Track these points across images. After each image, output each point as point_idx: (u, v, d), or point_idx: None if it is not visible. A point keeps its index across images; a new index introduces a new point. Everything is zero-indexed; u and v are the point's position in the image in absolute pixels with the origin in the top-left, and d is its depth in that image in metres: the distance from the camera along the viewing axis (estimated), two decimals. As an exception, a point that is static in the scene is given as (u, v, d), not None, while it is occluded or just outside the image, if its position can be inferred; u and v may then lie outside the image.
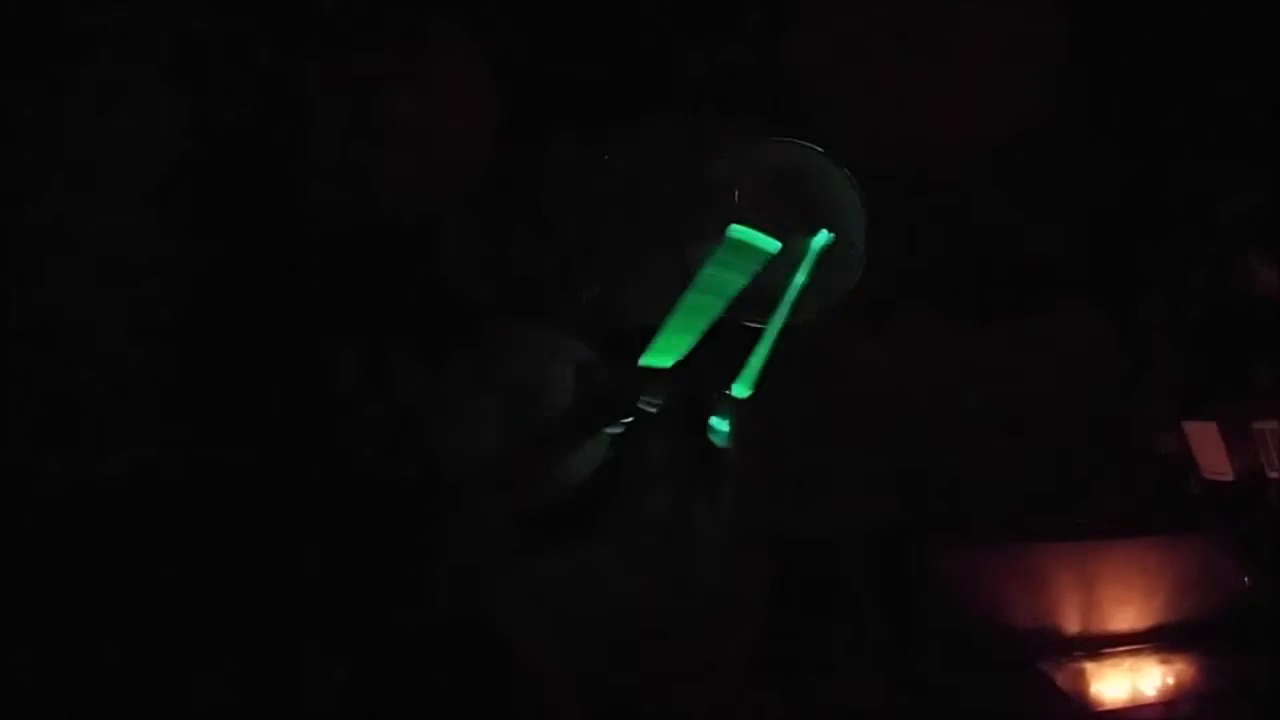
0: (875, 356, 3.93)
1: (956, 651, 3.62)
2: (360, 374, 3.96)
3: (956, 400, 3.92)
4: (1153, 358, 4.06)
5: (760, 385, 3.50)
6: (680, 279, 3.94)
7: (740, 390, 3.50)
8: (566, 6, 3.99)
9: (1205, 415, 3.88)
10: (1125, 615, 3.80)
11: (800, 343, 3.95)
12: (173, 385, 3.72)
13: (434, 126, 3.85)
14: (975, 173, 3.93)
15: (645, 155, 3.98)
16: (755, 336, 3.54)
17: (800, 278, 3.52)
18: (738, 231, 3.51)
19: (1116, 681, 3.65)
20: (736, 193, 3.90)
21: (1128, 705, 3.61)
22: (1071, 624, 3.78)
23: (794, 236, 3.57)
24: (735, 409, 3.51)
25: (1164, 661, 3.71)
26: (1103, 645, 3.76)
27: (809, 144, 3.69)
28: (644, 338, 3.88)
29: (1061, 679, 3.65)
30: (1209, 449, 3.86)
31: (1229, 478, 3.82)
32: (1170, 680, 3.65)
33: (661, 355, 3.48)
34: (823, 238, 3.55)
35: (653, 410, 3.55)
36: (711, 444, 3.58)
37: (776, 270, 3.57)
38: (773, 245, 3.51)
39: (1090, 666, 3.69)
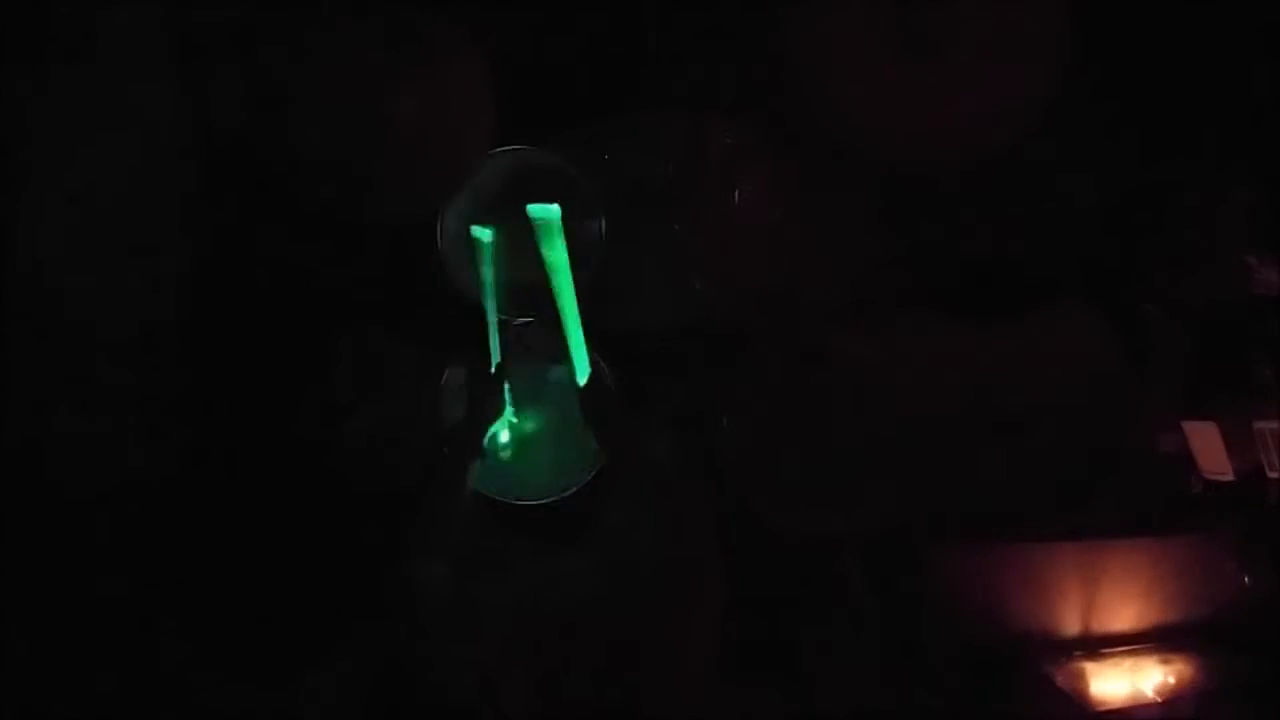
0: (874, 356, 3.93)
1: (956, 651, 3.61)
2: (360, 374, 3.96)
3: (955, 400, 3.92)
4: (1153, 358, 4.05)
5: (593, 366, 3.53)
6: (677, 282, 3.96)
7: (581, 377, 3.53)
8: (566, 6, 4.00)
9: (1205, 415, 3.87)
10: (1125, 615, 3.80)
11: (800, 343, 3.97)
12: (172, 385, 3.72)
13: (434, 126, 3.85)
14: (974, 172, 3.93)
15: (644, 155, 3.99)
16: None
17: (557, 253, 3.49)
18: (477, 231, 3.61)
19: (1116, 681, 3.65)
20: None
21: (1128, 705, 3.61)
22: (1071, 624, 3.78)
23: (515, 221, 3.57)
24: (590, 396, 3.52)
25: (1164, 661, 3.71)
26: (1103, 645, 3.76)
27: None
28: (636, 341, 3.90)
29: (1061, 679, 3.65)
30: (1209, 449, 3.85)
31: (1229, 478, 3.81)
32: (1170, 680, 3.65)
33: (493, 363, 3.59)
34: (545, 210, 3.50)
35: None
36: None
37: (519, 258, 3.61)
38: (485, 233, 3.59)
39: (1090, 666, 3.69)
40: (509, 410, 3.66)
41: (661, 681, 3.33)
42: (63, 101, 3.56)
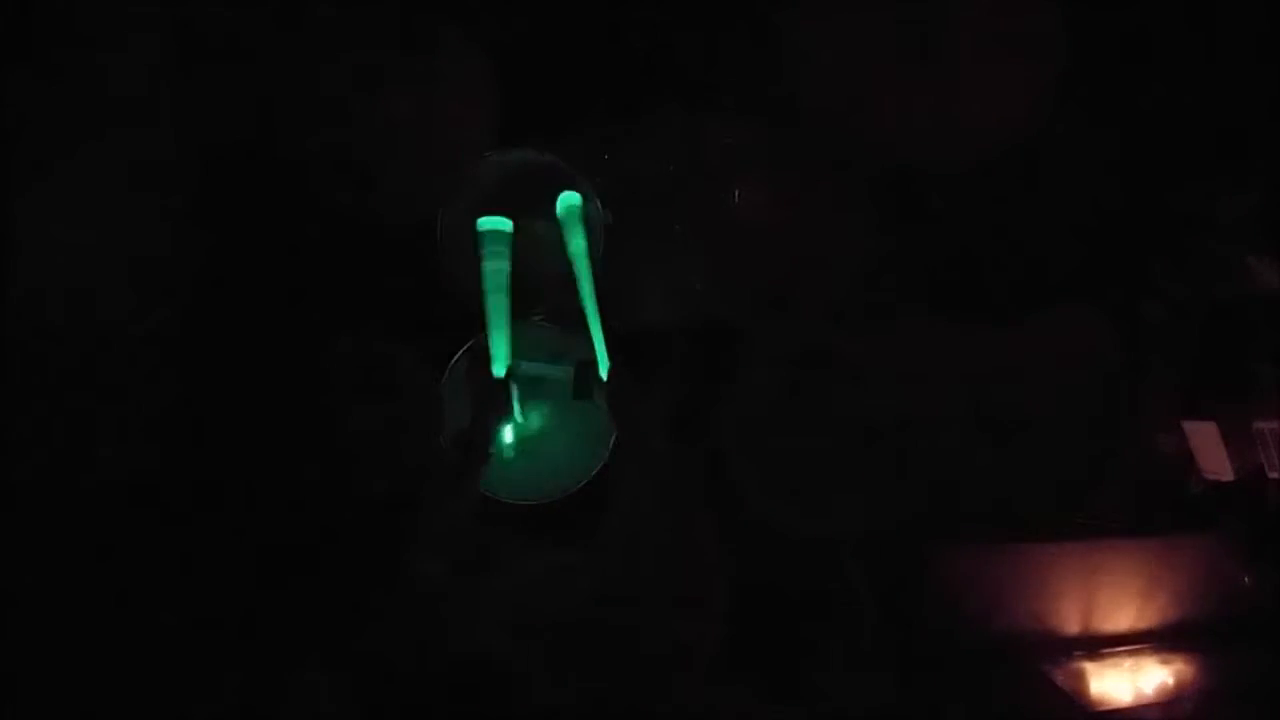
0: (874, 356, 3.94)
1: (956, 652, 3.61)
2: (359, 374, 3.96)
3: (956, 400, 3.92)
4: (1153, 358, 4.06)
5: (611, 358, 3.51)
6: (677, 282, 3.96)
7: (603, 368, 3.50)
8: (567, 6, 4.00)
9: (1205, 415, 3.88)
10: (1125, 615, 3.80)
11: (800, 344, 3.97)
12: (171, 385, 3.72)
13: (434, 126, 3.86)
14: (975, 173, 3.93)
15: (645, 155, 3.99)
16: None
17: (580, 241, 3.50)
18: (482, 223, 3.52)
19: (1116, 681, 3.65)
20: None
21: (1128, 705, 3.61)
22: (1071, 624, 3.78)
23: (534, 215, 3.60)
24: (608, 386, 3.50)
25: (1164, 661, 3.71)
26: (1103, 645, 3.76)
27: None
28: (642, 339, 3.90)
29: (1061, 679, 3.65)
30: (1209, 449, 3.86)
31: (1229, 478, 3.81)
32: (1170, 680, 3.65)
33: (498, 364, 3.51)
34: (572, 197, 3.53)
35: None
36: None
37: (543, 249, 3.62)
38: (506, 224, 3.51)
39: (1090, 666, 3.69)
40: (516, 411, 3.65)
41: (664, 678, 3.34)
42: (63, 102, 3.56)
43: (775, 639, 3.63)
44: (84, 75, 3.59)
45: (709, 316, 4.00)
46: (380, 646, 3.48)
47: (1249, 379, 3.86)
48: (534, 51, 3.97)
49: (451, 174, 3.89)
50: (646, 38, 4.00)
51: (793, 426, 3.88)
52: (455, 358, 3.84)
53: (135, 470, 3.58)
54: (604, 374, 3.50)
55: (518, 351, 3.69)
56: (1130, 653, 3.76)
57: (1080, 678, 3.68)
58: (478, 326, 3.70)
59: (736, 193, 3.98)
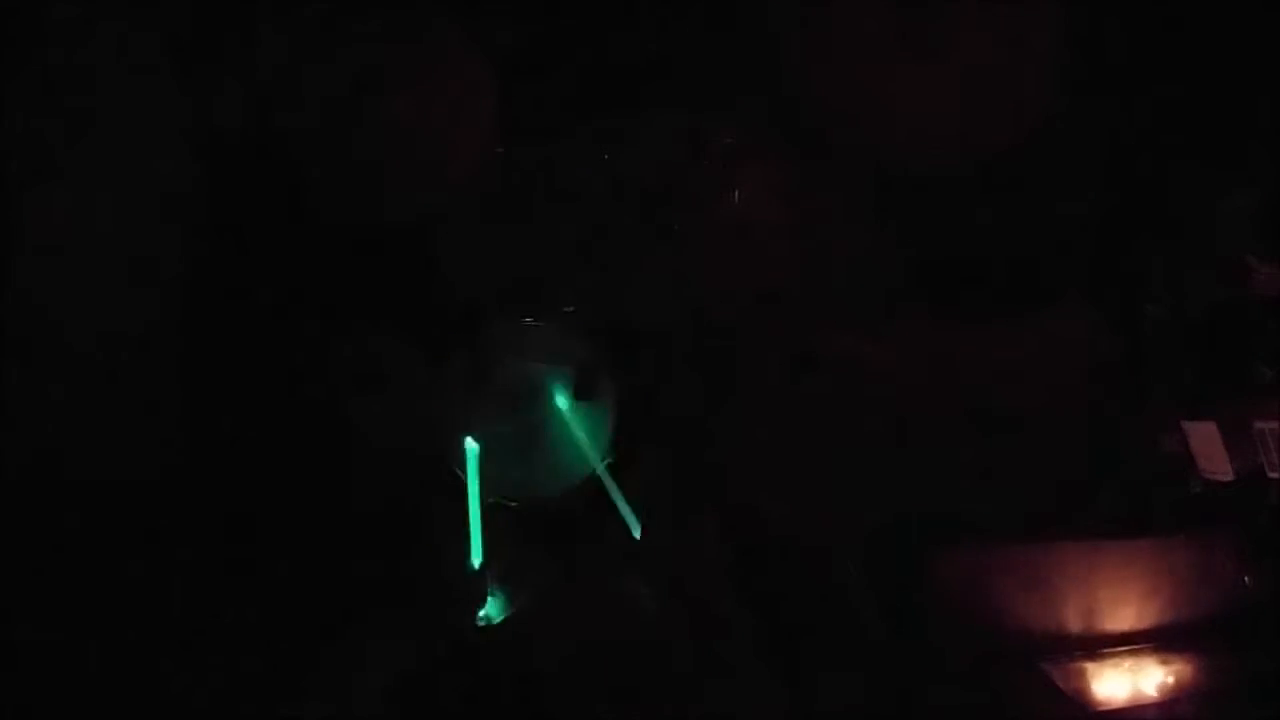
0: (875, 357, 3.94)
1: (956, 652, 3.61)
2: (360, 374, 3.96)
3: (957, 400, 3.92)
4: (1153, 358, 4.06)
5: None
6: (677, 282, 3.96)
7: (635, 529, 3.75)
8: (566, 7, 4.00)
9: (1205, 415, 3.87)
10: (1125, 615, 3.79)
11: (800, 343, 3.97)
12: (171, 385, 3.73)
13: (434, 126, 3.86)
14: (976, 173, 3.93)
15: (644, 155, 3.99)
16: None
17: (580, 433, 3.80)
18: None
19: (1116, 681, 3.65)
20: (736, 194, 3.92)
21: (1128, 705, 3.61)
22: (1071, 624, 3.78)
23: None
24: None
25: (1164, 661, 3.70)
26: (1103, 645, 3.75)
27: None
28: (640, 340, 3.91)
29: (1061, 679, 3.65)
30: (1209, 449, 3.85)
31: (1229, 478, 3.81)
32: (1170, 680, 3.65)
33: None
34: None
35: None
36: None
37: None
38: (473, 448, 3.79)
39: (1090, 666, 3.69)
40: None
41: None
42: (63, 103, 3.56)
43: (775, 639, 3.64)
44: (84, 75, 3.59)
45: (709, 317, 4.00)
46: (381, 644, 3.49)
47: (1249, 379, 3.85)
48: (534, 51, 3.97)
49: (451, 174, 3.90)
50: (647, 38, 4.00)
51: (792, 426, 3.88)
52: (454, 358, 3.85)
53: (135, 470, 3.58)
54: (636, 534, 3.71)
55: (519, 354, 3.74)
56: (1130, 653, 3.76)
57: (1080, 678, 3.68)
58: (477, 327, 3.75)
59: (736, 193, 3.99)
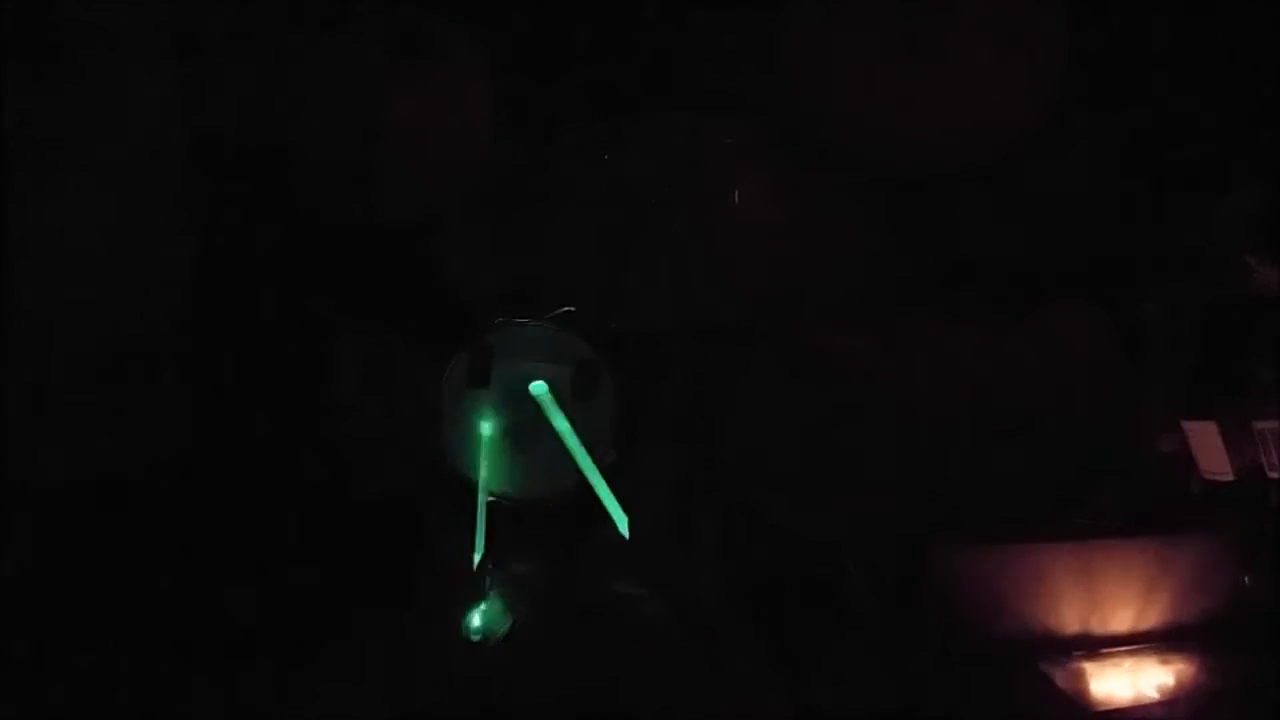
0: (875, 357, 3.94)
1: (956, 651, 3.61)
2: (360, 374, 3.96)
3: (956, 400, 3.92)
4: (1153, 358, 4.06)
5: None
6: (678, 281, 3.96)
7: (623, 527, 3.71)
8: (567, 7, 4.00)
9: (1205, 415, 3.87)
10: (1125, 615, 3.79)
11: (800, 343, 3.97)
12: (171, 384, 3.73)
13: (434, 127, 3.86)
14: (975, 173, 3.94)
15: (645, 155, 3.99)
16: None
17: (561, 422, 3.72)
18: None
19: (1116, 681, 3.65)
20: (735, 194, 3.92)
21: (1128, 705, 3.61)
22: (1071, 624, 3.77)
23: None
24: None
25: (1164, 661, 3.70)
26: (1103, 645, 3.75)
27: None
28: (640, 340, 3.91)
29: (1061, 679, 3.65)
30: (1209, 449, 3.85)
31: (1229, 478, 3.81)
32: (1170, 680, 3.65)
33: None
34: (539, 386, 3.73)
35: None
36: None
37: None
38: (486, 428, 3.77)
39: (1090, 666, 3.69)
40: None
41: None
42: (64, 104, 3.56)
43: (775, 638, 3.64)
44: (84, 75, 3.59)
45: (709, 317, 4.00)
46: (382, 642, 3.49)
47: (1249, 379, 3.85)
48: (534, 51, 3.98)
49: (452, 174, 3.91)
50: (647, 38, 4.00)
51: (793, 427, 3.88)
52: (454, 358, 3.85)
53: (134, 470, 3.58)
54: (624, 531, 3.68)
55: (520, 353, 3.74)
56: (1130, 653, 3.75)
57: (1080, 678, 3.67)
58: (477, 327, 3.75)
59: (736, 193, 3.99)
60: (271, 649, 3.43)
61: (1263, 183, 3.88)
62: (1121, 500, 3.95)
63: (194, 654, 3.36)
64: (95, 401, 3.56)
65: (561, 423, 3.69)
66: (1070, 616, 3.81)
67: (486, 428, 3.75)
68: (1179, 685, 3.68)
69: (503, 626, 3.53)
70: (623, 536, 3.73)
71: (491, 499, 3.72)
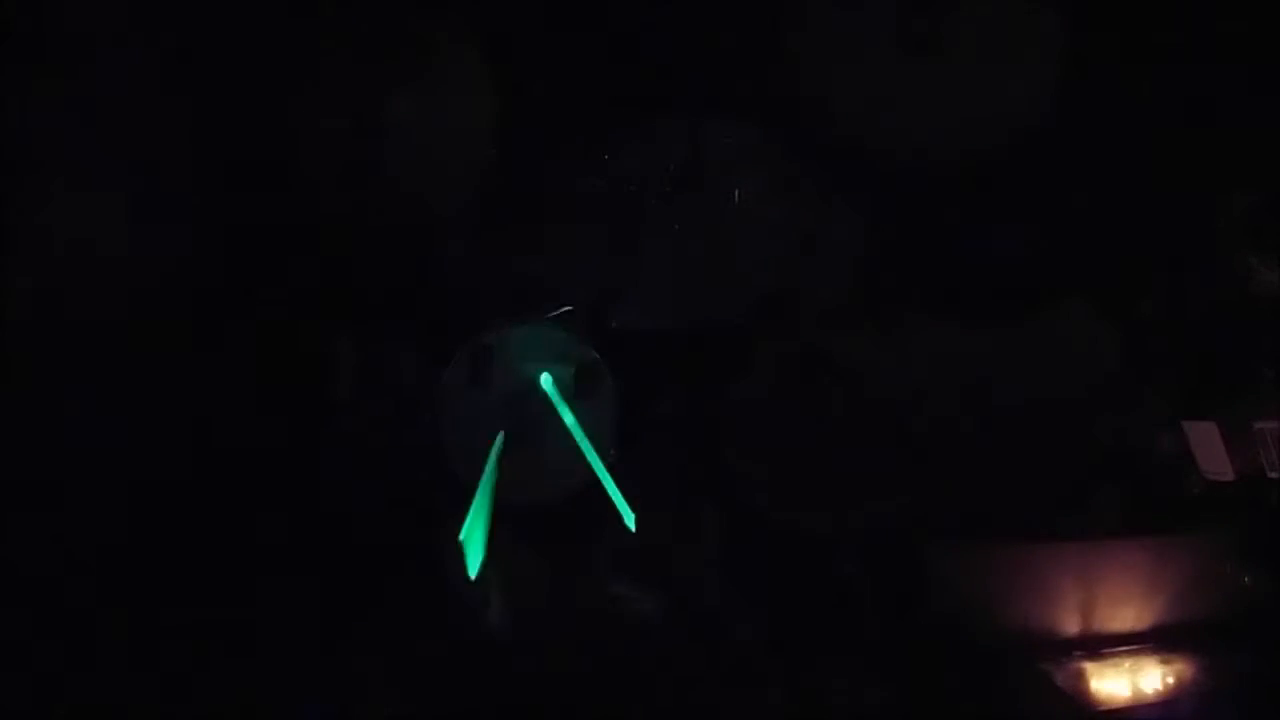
0: (876, 358, 3.94)
1: (957, 651, 3.62)
2: (360, 373, 3.96)
3: (957, 400, 3.92)
4: (1153, 358, 4.06)
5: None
6: (677, 282, 3.97)
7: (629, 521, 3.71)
8: (567, 8, 4.00)
9: (1205, 415, 3.88)
10: (1125, 615, 3.80)
11: (801, 344, 3.97)
12: (171, 384, 3.73)
13: (435, 128, 3.86)
14: (976, 174, 3.93)
15: (645, 156, 3.99)
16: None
17: (567, 415, 3.77)
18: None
19: (1116, 681, 3.66)
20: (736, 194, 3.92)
21: (1128, 705, 3.61)
22: (1071, 624, 3.78)
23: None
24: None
25: (1164, 661, 3.71)
26: (1103, 645, 3.76)
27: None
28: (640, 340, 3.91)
29: (1061, 679, 3.65)
30: (1209, 449, 3.85)
31: (1229, 478, 3.81)
32: (1170, 680, 3.65)
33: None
34: (546, 380, 3.79)
35: None
36: None
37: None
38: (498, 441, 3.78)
39: (1090, 666, 3.69)
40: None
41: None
42: (65, 104, 3.57)
43: (775, 638, 3.64)
44: (84, 75, 3.59)
45: (709, 317, 4.00)
46: (384, 641, 3.50)
47: (1249, 379, 3.86)
48: (535, 51, 3.97)
49: (452, 174, 3.91)
50: (648, 38, 4.00)
51: (793, 426, 3.88)
52: (454, 358, 3.85)
53: (137, 470, 3.59)
54: (630, 525, 3.68)
55: (521, 353, 3.75)
56: (1130, 653, 3.76)
57: (1080, 678, 3.68)
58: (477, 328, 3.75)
59: (736, 193, 3.99)
60: (272, 649, 3.43)
61: (1263, 183, 3.89)
62: (1121, 500, 3.95)
63: (196, 655, 3.36)
64: (94, 401, 3.56)
65: (568, 415, 3.69)
66: (1070, 616, 3.82)
67: (486, 428, 3.73)
68: (1179, 685, 3.69)
69: (502, 626, 3.53)
70: (624, 535, 3.73)
71: (491, 499, 3.72)
